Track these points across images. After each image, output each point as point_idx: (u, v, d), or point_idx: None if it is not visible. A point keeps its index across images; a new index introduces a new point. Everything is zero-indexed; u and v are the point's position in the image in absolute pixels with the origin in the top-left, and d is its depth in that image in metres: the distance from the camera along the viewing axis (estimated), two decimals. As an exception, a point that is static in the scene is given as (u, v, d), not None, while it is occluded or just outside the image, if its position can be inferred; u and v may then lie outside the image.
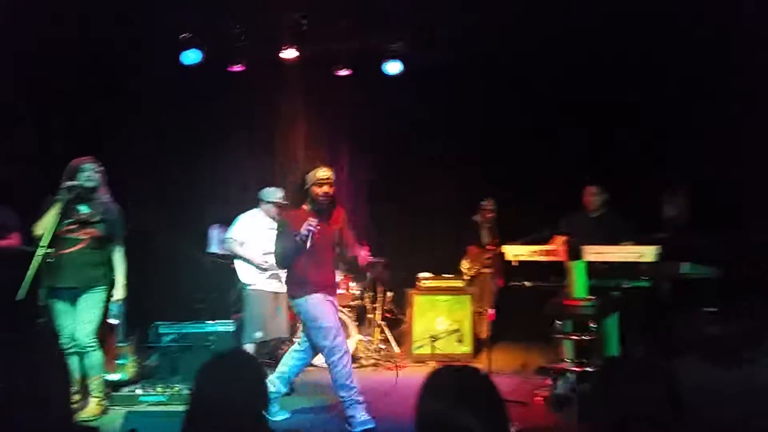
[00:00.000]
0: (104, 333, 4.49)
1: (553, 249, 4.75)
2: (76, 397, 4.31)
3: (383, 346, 6.33)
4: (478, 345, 6.25)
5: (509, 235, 5.41)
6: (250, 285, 5.27)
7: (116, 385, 4.78)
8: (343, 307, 5.88)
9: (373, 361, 6.05)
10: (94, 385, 4.34)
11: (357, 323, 6.20)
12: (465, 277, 6.57)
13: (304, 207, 4.15)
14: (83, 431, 1.85)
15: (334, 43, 6.54)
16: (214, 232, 6.24)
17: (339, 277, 5.60)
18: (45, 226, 4.08)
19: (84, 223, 4.27)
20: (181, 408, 1.80)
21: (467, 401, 1.61)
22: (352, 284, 6.30)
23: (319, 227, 4.01)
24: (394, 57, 6.59)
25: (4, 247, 4.56)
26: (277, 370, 4.34)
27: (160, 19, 5.84)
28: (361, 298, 6.42)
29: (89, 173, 4.27)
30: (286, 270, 4.27)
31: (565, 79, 6.50)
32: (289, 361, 4.33)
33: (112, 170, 4.56)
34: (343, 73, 6.77)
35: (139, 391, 4.67)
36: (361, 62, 6.73)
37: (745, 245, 4.87)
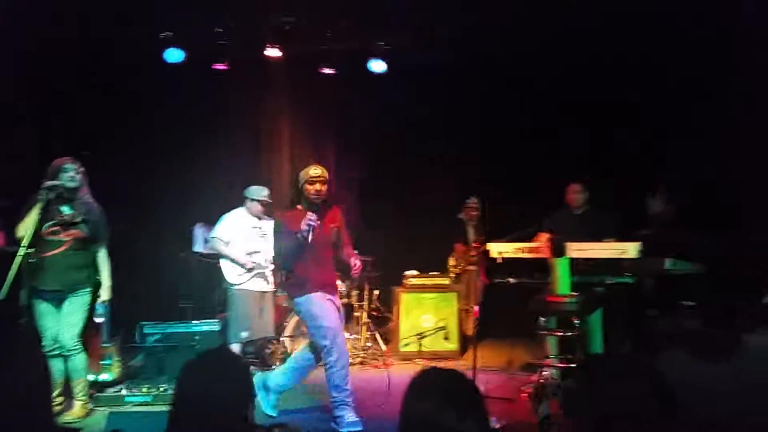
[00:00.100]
0: (89, 334, 4.45)
1: (538, 246, 4.78)
2: (59, 399, 4.27)
3: (370, 344, 6.34)
4: (465, 342, 6.28)
5: (500, 233, 5.43)
6: (235, 285, 5.25)
7: (101, 386, 4.75)
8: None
9: (360, 359, 6.05)
10: (79, 387, 4.31)
11: (344, 321, 6.20)
12: (451, 275, 6.60)
13: (299, 207, 4.13)
14: (66, 433, 1.83)
15: (325, 42, 6.54)
16: (199, 231, 6.21)
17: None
18: (27, 226, 4.05)
19: (66, 225, 4.23)
20: (166, 408, 1.79)
21: (451, 403, 1.63)
22: (338, 282, 6.29)
23: (319, 222, 4.00)
24: (381, 56, 6.60)
25: None
26: (285, 363, 4.34)
27: (144, 20, 5.82)
28: (348, 296, 6.42)
29: (71, 173, 4.23)
30: (286, 270, 4.25)
31: (565, 79, 6.55)
32: (298, 356, 4.32)
33: (97, 170, 4.53)
34: (329, 71, 6.77)
35: (124, 392, 4.65)
36: (351, 60, 6.73)
37: (745, 245, 4.91)
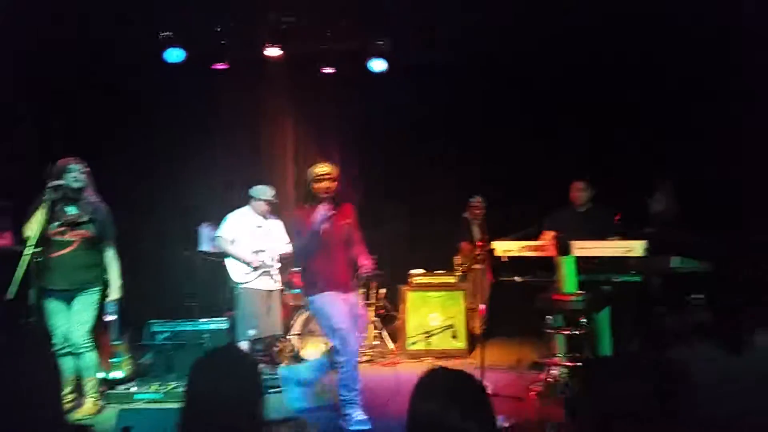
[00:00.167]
0: (98, 332, 4.49)
1: (543, 245, 4.78)
2: (70, 396, 4.32)
3: (377, 343, 6.36)
4: (473, 340, 6.29)
5: (501, 232, 5.43)
6: (241, 283, 5.28)
7: (112, 384, 4.80)
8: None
9: (367, 357, 6.07)
10: (90, 385, 4.36)
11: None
12: (457, 273, 6.61)
13: (309, 204, 4.11)
14: (77, 430, 1.86)
15: (325, 41, 6.56)
16: (205, 230, 6.25)
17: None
18: (33, 227, 4.07)
19: (73, 225, 4.26)
20: (175, 405, 1.81)
21: (457, 403, 1.64)
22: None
23: (333, 212, 3.99)
24: (381, 55, 6.62)
25: None
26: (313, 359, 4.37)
27: (145, 20, 5.86)
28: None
29: (75, 174, 4.25)
30: (300, 268, 4.24)
31: (566, 79, 6.54)
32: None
33: (101, 170, 4.57)
34: (329, 70, 6.80)
35: (134, 389, 4.69)
36: (351, 59, 6.75)
37: (745, 245, 4.89)
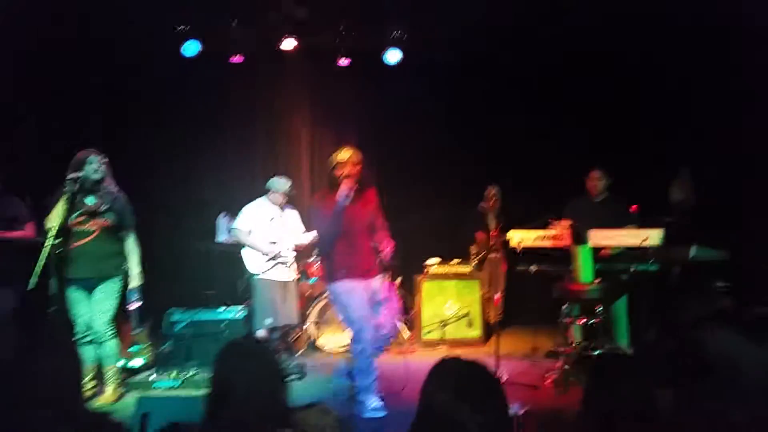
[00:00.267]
0: (119, 321, 4.57)
1: (558, 234, 4.76)
2: (91, 384, 4.40)
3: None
4: (488, 329, 6.29)
5: (519, 221, 5.42)
6: (257, 274, 5.32)
7: (132, 372, 4.88)
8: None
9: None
10: (111, 373, 4.44)
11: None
12: (473, 263, 6.60)
13: (333, 191, 4.06)
14: (96, 417, 1.90)
15: (340, 33, 6.56)
16: (222, 221, 6.30)
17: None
18: (53, 218, 4.14)
19: (93, 214, 4.32)
20: (194, 393, 1.85)
21: (468, 393, 1.64)
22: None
23: (355, 187, 3.97)
24: (397, 46, 6.61)
25: (20, 238, 4.63)
26: None
27: (160, 15, 5.88)
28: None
29: (95, 165, 4.31)
30: (325, 255, 4.22)
31: (565, 79, 6.52)
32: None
33: (122, 163, 4.63)
34: (345, 62, 6.80)
35: (153, 377, 4.77)
36: (366, 51, 6.74)
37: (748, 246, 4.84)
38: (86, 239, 4.32)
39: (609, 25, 5.65)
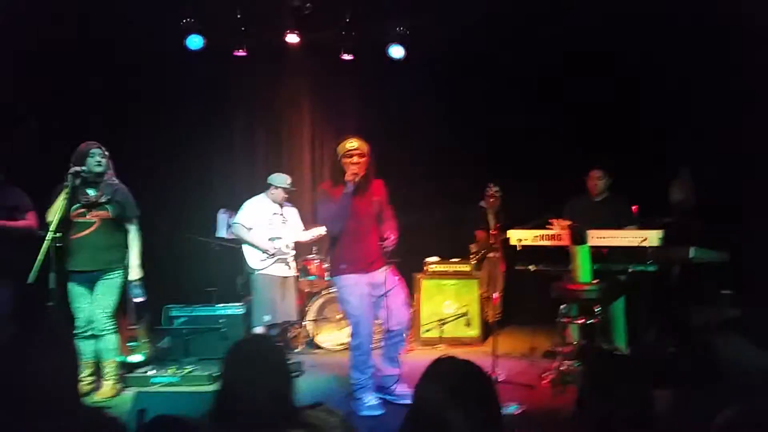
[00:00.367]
0: (118, 316, 4.57)
1: (558, 233, 4.75)
2: (90, 379, 4.40)
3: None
4: (486, 328, 6.29)
5: (519, 220, 5.41)
6: (257, 270, 5.32)
7: (130, 367, 4.88)
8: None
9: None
10: (109, 368, 4.43)
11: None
12: (472, 262, 6.60)
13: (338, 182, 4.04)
14: (93, 412, 1.90)
15: (344, 27, 6.55)
16: (223, 217, 6.29)
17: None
18: (55, 211, 4.13)
19: (93, 206, 4.32)
20: (192, 389, 1.86)
21: (460, 394, 1.63)
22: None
23: (363, 172, 3.95)
24: (400, 41, 6.60)
25: (21, 227, 4.62)
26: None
27: (165, 8, 5.87)
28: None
29: (98, 158, 4.31)
30: (330, 246, 4.20)
31: (565, 79, 6.50)
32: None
33: (124, 157, 4.62)
34: (348, 57, 6.79)
35: (151, 373, 4.77)
36: (370, 46, 6.73)
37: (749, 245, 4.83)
38: (86, 231, 4.32)
39: (609, 25, 5.66)
